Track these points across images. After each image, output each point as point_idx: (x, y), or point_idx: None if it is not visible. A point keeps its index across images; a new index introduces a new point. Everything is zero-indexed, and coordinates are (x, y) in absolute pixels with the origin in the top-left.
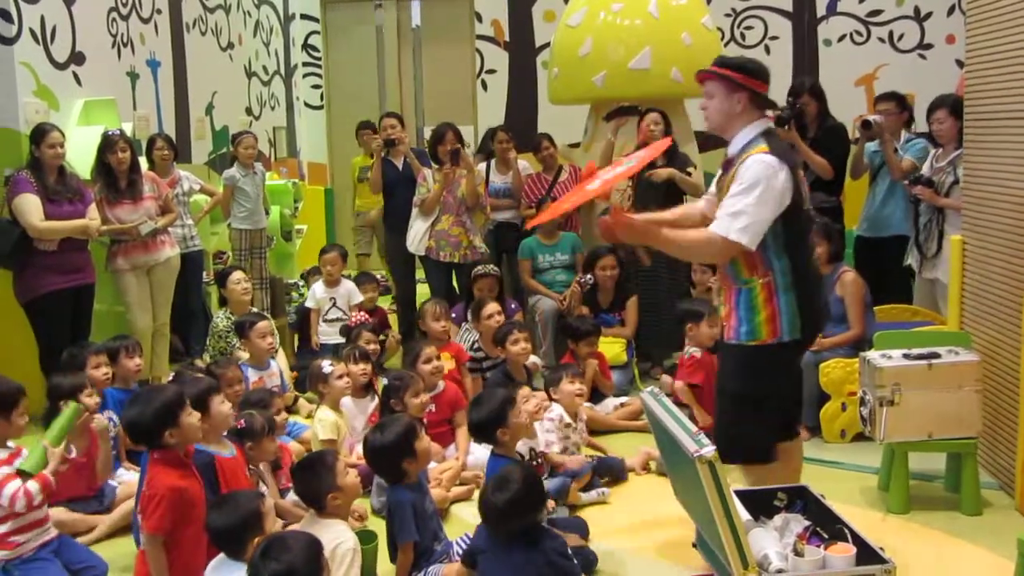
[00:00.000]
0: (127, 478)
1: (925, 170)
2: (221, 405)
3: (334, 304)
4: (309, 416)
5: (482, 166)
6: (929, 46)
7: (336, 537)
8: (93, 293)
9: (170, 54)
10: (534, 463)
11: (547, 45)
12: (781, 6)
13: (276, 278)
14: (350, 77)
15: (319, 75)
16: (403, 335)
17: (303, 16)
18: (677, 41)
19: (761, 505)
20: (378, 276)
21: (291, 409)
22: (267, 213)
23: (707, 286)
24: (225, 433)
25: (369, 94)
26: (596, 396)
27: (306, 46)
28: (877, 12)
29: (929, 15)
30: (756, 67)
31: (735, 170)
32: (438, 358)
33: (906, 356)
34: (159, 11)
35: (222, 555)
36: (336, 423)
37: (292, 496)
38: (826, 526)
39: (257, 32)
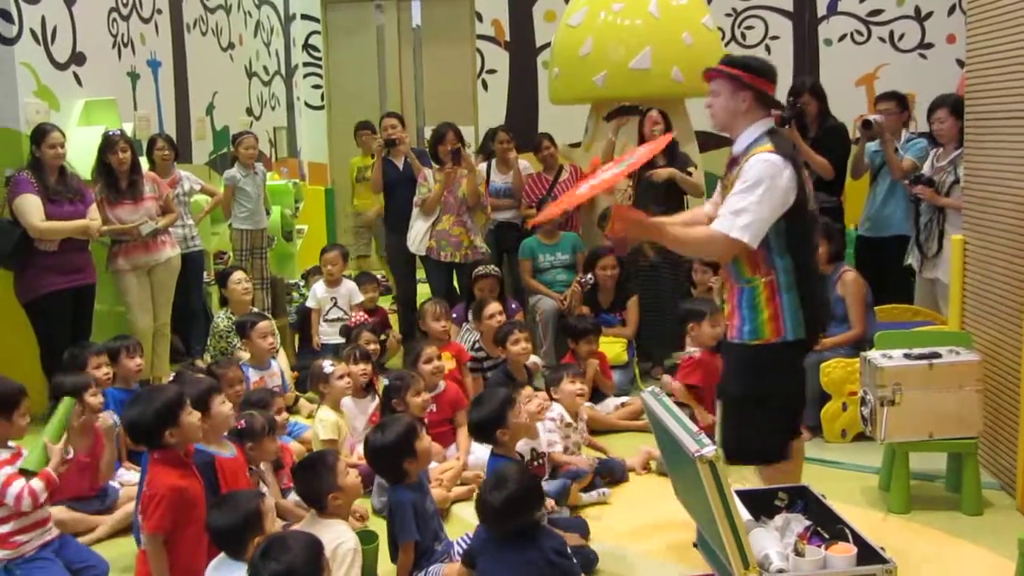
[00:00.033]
0: (127, 478)
1: (926, 170)
2: (222, 406)
3: (335, 304)
4: (310, 416)
5: (483, 166)
6: (930, 46)
7: (337, 537)
8: (94, 293)
9: (171, 54)
10: (535, 463)
11: (548, 45)
12: (782, 6)
13: (277, 278)
14: (351, 77)
15: (320, 75)
16: (404, 335)
17: (304, 16)
18: (678, 41)
19: (762, 505)
20: (378, 276)
21: (292, 409)
22: (268, 213)
23: (708, 286)
24: (225, 434)
25: (370, 94)
26: (597, 396)
27: (307, 46)
28: (878, 12)
29: (930, 15)
30: (763, 66)
31: (739, 168)
32: (439, 358)
33: (907, 356)
34: (159, 11)
35: (222, 555)
36: (337, 423)
37: (294, 496)
38: (827, 526)
39: (258, 32)
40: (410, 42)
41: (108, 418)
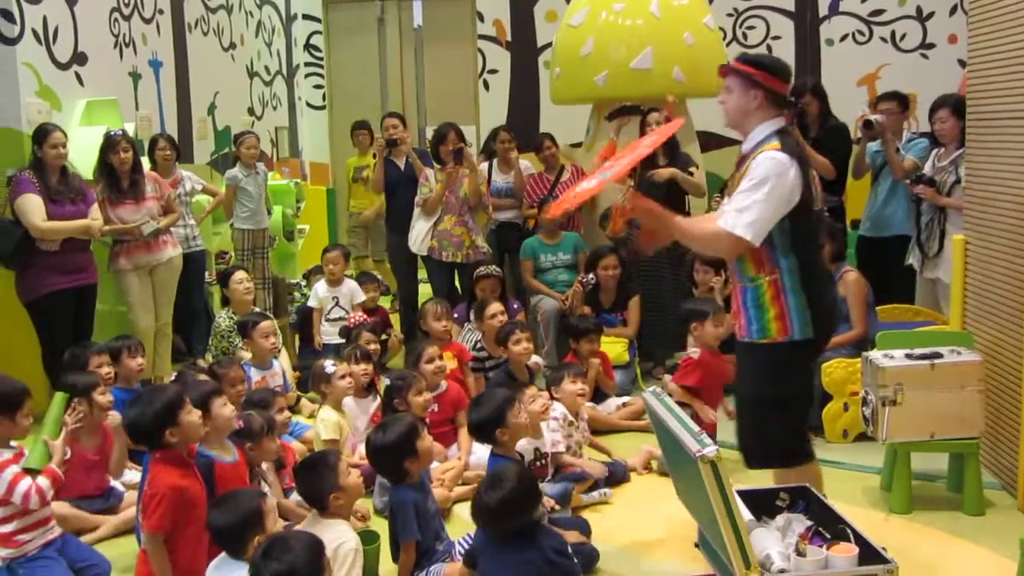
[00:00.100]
0: (129, 478)
1: (927, 169)
2: (223, 408)
3: (337, 303)
4: (311, 416)
5: (484, 166)
6: (931, 46)
7: (338, 537)
8: (95, 293)
9: (172, 54)
10: (538, 463)
11: (549, 45)
12: (783, 6)
13: (278, 278)
14: (352, 77)
15: (321, 75)
16: (405, 335)
17: (305, 16)
18: (679, 41)
19: (763, 505)
20: (378, 276)
21: (294, 409)
22: (269, 213)
23: (709, 286)
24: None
25: (371, 94)
26: (598, 396)
27: (308, 46)
28: (879, 12)
29: (931, 15)
30: (776, 66)
31: (746, 166)
32: (440, 358)
33: (908, 356)
34: (161, 11)
35: (223, 554)
36: (338, 423)
37: (296, 496)
38: (828, 526)
39: (259, 32)
40: (411, 42)
41: (117, 416)
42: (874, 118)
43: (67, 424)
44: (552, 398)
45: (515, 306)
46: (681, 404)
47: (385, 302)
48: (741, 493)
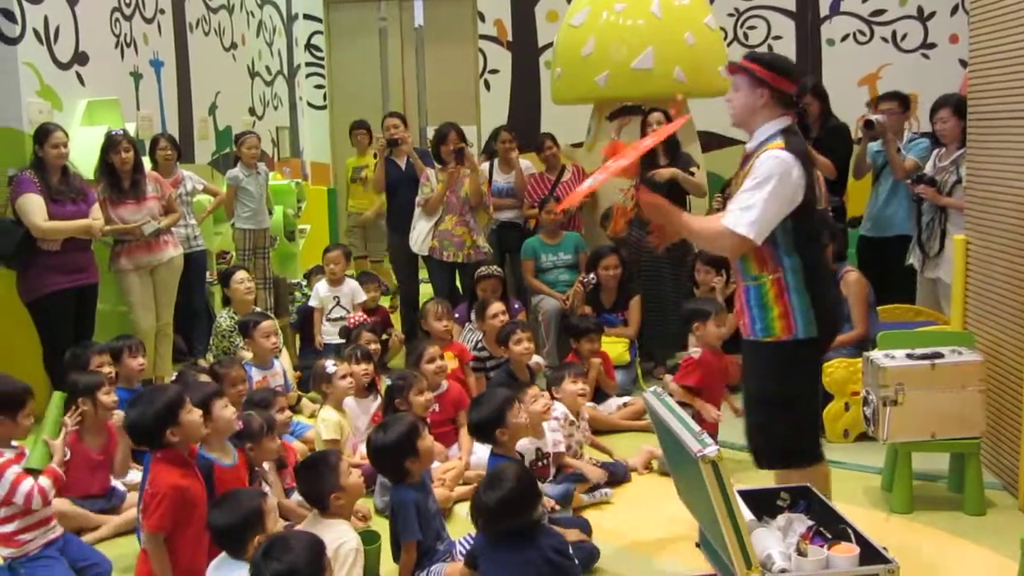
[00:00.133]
0: (131, 478)
1: (928, 169)
2: (223, 410)
3: (338, 303)
4: (312, 416)
5: (485, 166)
6: (932, 46)
7: (339, 537)
8: (96, 293)
9: (173, 54)
10: (540, 463)
11: (550, 45)
12: (784, 6)
13: (279, 278)
14: (353, 77)
15: (322, 75)
16: (406, 335)
17: (306, 16)
18: (680, 41)
19: (764, 505)
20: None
21: (295, 409)
22: (270, 213)
23: (710, 286)
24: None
25: (372, 94)
26: (599, 396)
27: (309, 46)
28: (880, 12)
29: (932, 15)
30: (784, 65)
31: (750, 164)
32: (441, 357)
33: (909, 356)
34: (162, 11)
35: (223, 554)
36: (339, 423)
37: (297, 496)
38: (829, 526)
39: (260, 32)
40: (412, 42)
41: (121, 415)
42: (875, 118)
43: (66, 424)
44: (553, 398)
45: (516, 306)
46: (682, 404)
47: (384, 302)
48: (742, 493)
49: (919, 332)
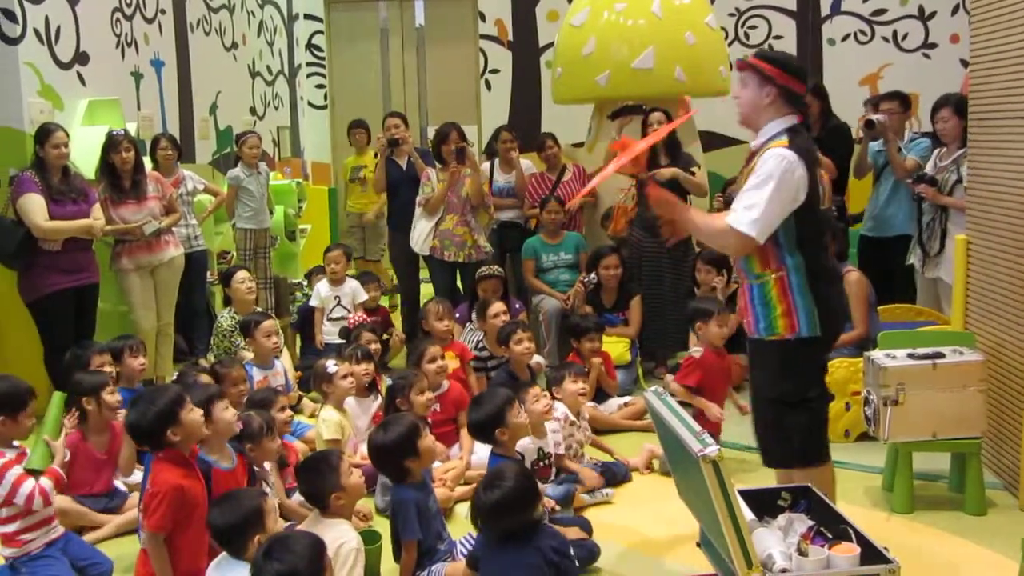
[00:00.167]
0: (133, 478)
1: (929, 169)
2: (224, 412)
3: (339, 303)
4: (313, 416)
5: (486, 165)
6: (933, 45)
7: (339, 537)
8: (97, 293)
9: (174, 54)
10: (541, 464)
11: (551, 45)
12: (785, 5)
13: (280, 278)
14: (354, 77)
15: (323, 75)
16: (407, 335)
17: (307, 16)
18: (680, 41)
19: (765, 505)
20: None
21: (295, 408)
22: (271, 213)
23: (711, 285)
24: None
25: (373, 94)
26: (600, 395)
27: (310, 46)
28: (881, 11)
29: (933, 14)
30: (792, 64)
31: (754, 162)
32: (442, 357)
33: (910, 356)
34: (163, 11)
35: (224, 554)
36: (340, 423)
37: (298, 496)
38: (830, 526)
39: (261, 32)
40: (413, 42)
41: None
42: (876, 118)
43: (66, 425)
44: (553, 398)
45: (517, 306)
46: (683, 404)
47: (383, 302)
48: (743, 493)
49: (920, 332)
